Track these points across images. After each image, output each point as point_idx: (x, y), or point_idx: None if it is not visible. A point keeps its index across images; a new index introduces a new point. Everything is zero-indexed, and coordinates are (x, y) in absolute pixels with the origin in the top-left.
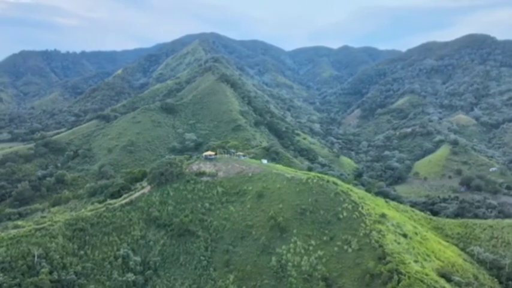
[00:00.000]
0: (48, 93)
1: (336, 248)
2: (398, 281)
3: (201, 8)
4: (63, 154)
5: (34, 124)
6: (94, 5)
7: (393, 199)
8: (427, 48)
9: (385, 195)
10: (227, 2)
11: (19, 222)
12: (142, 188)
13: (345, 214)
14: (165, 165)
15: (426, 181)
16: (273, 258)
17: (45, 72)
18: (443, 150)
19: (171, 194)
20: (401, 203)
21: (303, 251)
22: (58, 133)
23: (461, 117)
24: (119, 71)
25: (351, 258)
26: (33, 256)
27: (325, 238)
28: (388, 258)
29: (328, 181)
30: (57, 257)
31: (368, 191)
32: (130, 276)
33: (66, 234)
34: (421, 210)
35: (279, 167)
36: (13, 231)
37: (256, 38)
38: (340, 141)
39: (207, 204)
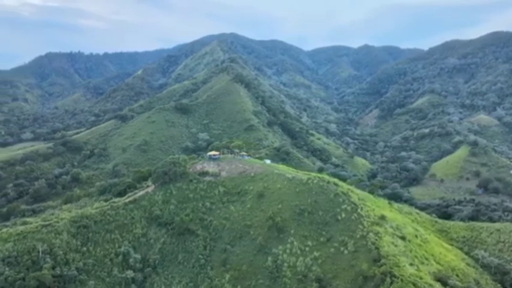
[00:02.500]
0: (71, 93)
1: (332, 249)
2: (391, 284)
3: (222, 9)
4: (80, 153)
5: (56, 124)
6: (118, 7)
7: (406, 201)
8: (450, 47)
9: (398, 197)
10: (249, 2)
11: (27, 219)
12: (147, 187)
13: (343, 215)
14: (169, 165)
15: (442, 183)
16: (269, 258)
17: (69, 73)
18: (462, 152)
19: (174, 193)
20: (413, 205)
21: (299, 251)
22: (78, 133)
23: (483, 118)
24: (139, 72)
25: (346, 259)
26: (38, 251)
27: (322, 239)
28: (383, 260)
29: (328, 182)
30: (61, 252)
31: (371, 192)
32: (130, 273)
33: (70, 231)
34: (429, 214)
35: (281, 167)
36: (21, 227)
37: (277, 38)
38: (356, 141)
39: (208, 204)
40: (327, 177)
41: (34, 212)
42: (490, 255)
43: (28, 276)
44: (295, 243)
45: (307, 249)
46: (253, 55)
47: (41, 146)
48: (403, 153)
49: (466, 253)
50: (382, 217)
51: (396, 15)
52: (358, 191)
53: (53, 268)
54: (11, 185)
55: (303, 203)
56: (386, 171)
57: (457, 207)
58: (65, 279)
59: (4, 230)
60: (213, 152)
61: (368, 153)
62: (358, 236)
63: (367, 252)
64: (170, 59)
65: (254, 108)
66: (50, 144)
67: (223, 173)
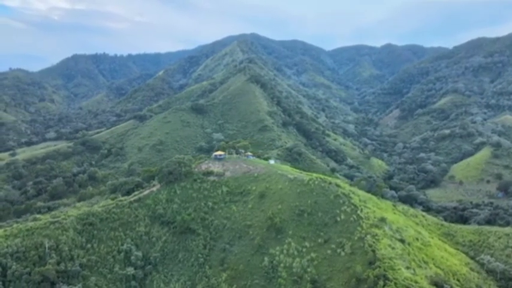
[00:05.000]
0: (95, 94)
1: (329, 251)
2: (383, 287)
3: (245, 9)
4: (98, 152)
5: (79, 124)
6: (143, 9)
7: (421, 203)
8: (476, 45)
9: (413, 199)
10: (273, 2)
11: (38, 215)
12: (153, 186)
13: (342, 217)
14: (174, 165)
15: (462, 185)
16: (266, 259)
17: (94, 75)
18: (484, 153)
19: (178, 192)
20: (429, 207)
21: (296, 252)
22: (98, 132)
23: (508, 118)
24: (160, 73)
25: (342, 261)
26: (45, 247)
27: (319, 240)
28: (378, 263)
29: (330, 183)
30: (66, 249)
31: (375, 194)
32: (131, 270)
33: (76, 228)
34: (444, 217)
35: (284, 168)
36: (30, 224)
37: (300, 37)
38: (374, 142)
39: (210, 203)
40: (329, 178)
41: (49, 209)
42: (497, 260)
43: (33, 271)
44: (292, 244)
45: (304, 250)
46: (273, 55)
47: (62, 145)
48: (422, 155)
49: (472, 258)
50: (382, 219)
51: (422, 13)
52: (361, 193)
53: (58, 264)
54: (31, 182)
55: (302, 203)
56: (404, 172)
57: (474, 210)
58: (68, 275)
59: (15, 225)
60: (218, 152)
61: (386, 155)
62: (356, 238)
63: (364, 255)
64: (191, 59)
65: (269, 108)
66: (71, 144)
67: (228, 173)
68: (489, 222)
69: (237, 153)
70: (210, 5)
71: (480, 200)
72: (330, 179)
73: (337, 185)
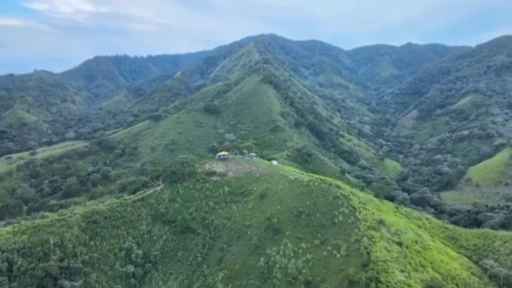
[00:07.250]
0: (115, 95)
1: (324, 253)
2: None
3: (264, 10)
4: (113, 152)
5: (98, 124)
6: (163, 11)
7: (434, 206)
8: (500, 43)
9: (426, 202)
10: (295, 3)
11: (45, 213)
12: (158, 185)
13: (340, 218)
14: (178, 165)
15: (478, 188)
16: (262, 259)
17: (114, 76)
18: (503, 155)
19: (180, 192)
20: (442, 210)
21: (292, 253)
22: (115, 132)
23: None
24: (178, 74)
25: (337, 263)
26: (50, 244)
27: (316, 242)
28: (371, 265)
29: (330, 184)
30: (70, 246)
31: (377, 196)
32: (131, 268)
33: (81, 225)
34: (457, 220)
35: (286, 168)
36: (37, 221)
37: (321, 37)
38: (390, 143)
39: (211, 203)
40: (329, 179)
41: (61, 207)
42: (501, 266)
43: (37, 267)
44: (289, 245)
45: (300, 251)
46: (290, 55)
47: (79, 144)
48: (438, 156)
49: (475, 262)
50: (381, 221)
51: (446, 12)
52: (362, 194)
53: (61, 260)
54: (47, 181)
55: (301, 204)
56: (419, 174)
57: (489, 213)
58: (70, 271)
59: (23, 222)
60: (222, 152)
61: (401, 156)
62: (352, 240)
63: (359, 257)
64: (209, 60)
65: (282, 109)
66: (87, 143)
67: (230, 173)
68: (503, 226)
69: (240, 154)
70: (229, 6)
71: (496, 203)
72: (330, 180)
73: (337, 187)
